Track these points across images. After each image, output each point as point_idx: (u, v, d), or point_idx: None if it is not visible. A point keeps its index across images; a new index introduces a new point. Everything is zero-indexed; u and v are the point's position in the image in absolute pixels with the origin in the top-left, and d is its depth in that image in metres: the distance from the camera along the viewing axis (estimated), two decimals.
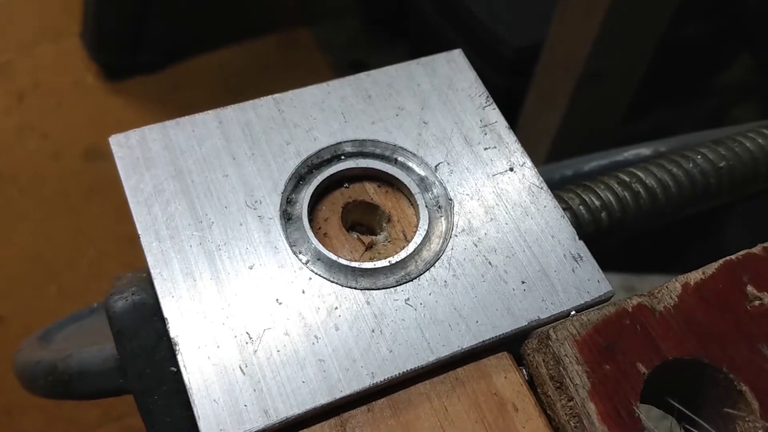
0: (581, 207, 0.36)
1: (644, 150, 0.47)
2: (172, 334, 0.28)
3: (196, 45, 1.59)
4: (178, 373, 0.27)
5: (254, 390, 0.27)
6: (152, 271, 0.29)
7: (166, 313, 0.28)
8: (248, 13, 1.64)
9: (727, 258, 0.30)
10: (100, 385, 0.32)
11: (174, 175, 0.31)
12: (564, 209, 0.35)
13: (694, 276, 0.30)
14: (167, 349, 0.28)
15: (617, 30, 0.97)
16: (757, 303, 0.29)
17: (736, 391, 0.27)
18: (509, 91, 1.23)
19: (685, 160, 0.38)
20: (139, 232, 0.30)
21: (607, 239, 0.38)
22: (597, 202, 0.37)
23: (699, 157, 0.38)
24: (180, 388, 0.28)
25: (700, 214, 0.41)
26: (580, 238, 0.32)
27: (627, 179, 0.37)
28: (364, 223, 0.33)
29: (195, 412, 0.26)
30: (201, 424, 0.26)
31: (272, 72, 1.56)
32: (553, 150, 1.16)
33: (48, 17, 1.57)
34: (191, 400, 0.26)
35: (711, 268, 0.30)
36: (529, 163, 0.33)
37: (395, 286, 0.30)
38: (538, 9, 1.18)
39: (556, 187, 0.38)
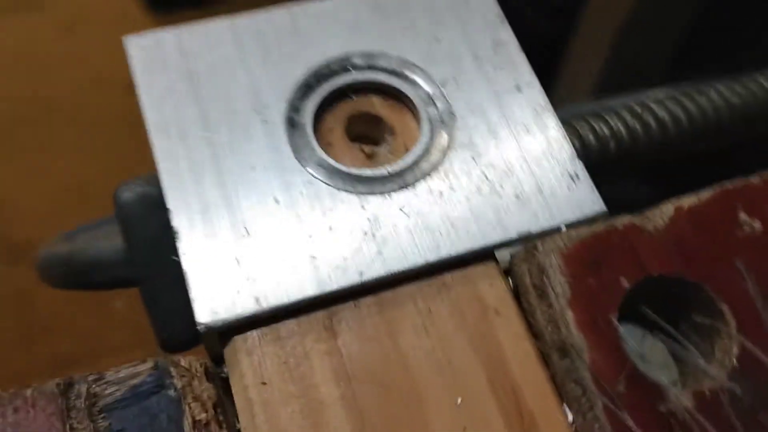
0: (590, 134, 0.36)
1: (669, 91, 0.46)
2: (174, 223, 0.29)
3: None
4: (180, 262, 0.29)
5: (247, 279, 0.28)
6: (160, 165, 0.30)
7: (169, 205, 0.30)
8: None
9: (724, 184, 0.30)
10: (110, 275, 0.34)
11: (186, 77, 0.32)
12: (572, 135, 0.36)
13: (688, 200, 0.30)
14: (170, 239, 0.30)
15: None
16: (746, 228, 0.29)
17: (716, 309, 0.28)
18: (552, 33, 1.21)
19: (698, 94, 0.38)
20: (149, 129, 0.31)
21: (615, 169, 0.39)
22: (606, 131, 0.37)
23: (713, 91, 0.38)
24: (181, 277, 0.29)
25: (711, 157, 0.41)
26: (579, 158, 0.32)
27: (638, 110, 0.37)
28: (368, 135, 0.34)
29: (190, 296, 0.28)
30: (196, 306, 0.28)
31: None
32: (593, 95, 1.14)
33: None
34: (187, 284, 0.28)
35: (706, 193, 0.30)
36: (536, 84, 0.34)
37: (391, 192, 0.30)
38: None
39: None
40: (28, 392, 0.26)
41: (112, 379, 0.27)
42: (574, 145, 0.35)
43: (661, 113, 0.37)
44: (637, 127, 0.37)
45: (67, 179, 1.33)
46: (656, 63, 1.07)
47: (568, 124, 0.36)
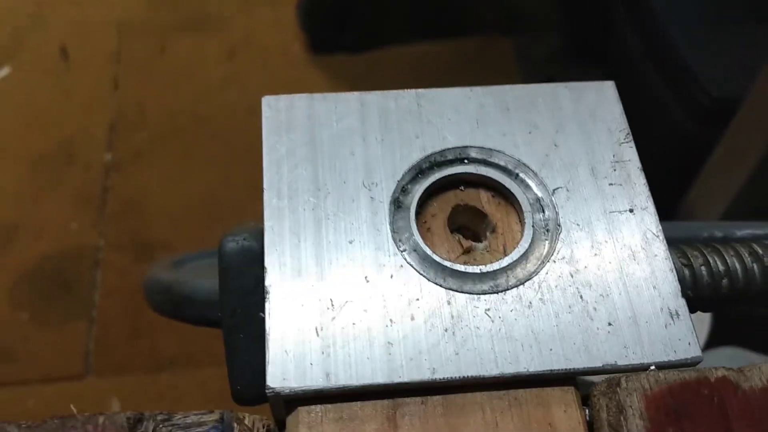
0: (703, 267, 0.35)
1: None
2: (267, 282, 0.30)
3: (398, 34, 1.65)
4: (264, 319, 0.30)
5: (323, 353, 0.29)
6: (265, 223, 0.32)
7: (266, 263, 0.31)
8: (454, 13, 1.67)
9: None
10: (202, 313, 0.36)
11: (308, 142, 0.34)
12: (684, 266, 0.34)
13: None
14: (260, 295, 0.31)
15: None
16: None
17: None
18: (700, 140, 1.17)
19: None
20: (264, 186, 0.33)
21: (725, 308, 0.36)
22: (721, 267, 0.35)
23: None
24: (263, 334, 0.30)
25: None
26: (683, 296, 0.30)
27: (760, 252, 0.35)
28: (469, 228, 0.34)
29: (266, 357, 0.29)
30: (269, 369, 0.28)
31: (464, 74, 1.58)
32: (729, 209, 1.09)
33: None
34: (266, 345, 0.29)
35: None
36: (651, 208, 0.32)
37: (480, 294, 0.30)
38: (751, 64, 1.11)
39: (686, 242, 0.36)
40: (101, 419, 0.28)
41: (179, 422, 0.28)
42: (684, 277, 0.33)
43: None
44: (755, 269, 0.34)
45: (200, 188, 1.42)
46: None
47: (681, 252, 0.34)
